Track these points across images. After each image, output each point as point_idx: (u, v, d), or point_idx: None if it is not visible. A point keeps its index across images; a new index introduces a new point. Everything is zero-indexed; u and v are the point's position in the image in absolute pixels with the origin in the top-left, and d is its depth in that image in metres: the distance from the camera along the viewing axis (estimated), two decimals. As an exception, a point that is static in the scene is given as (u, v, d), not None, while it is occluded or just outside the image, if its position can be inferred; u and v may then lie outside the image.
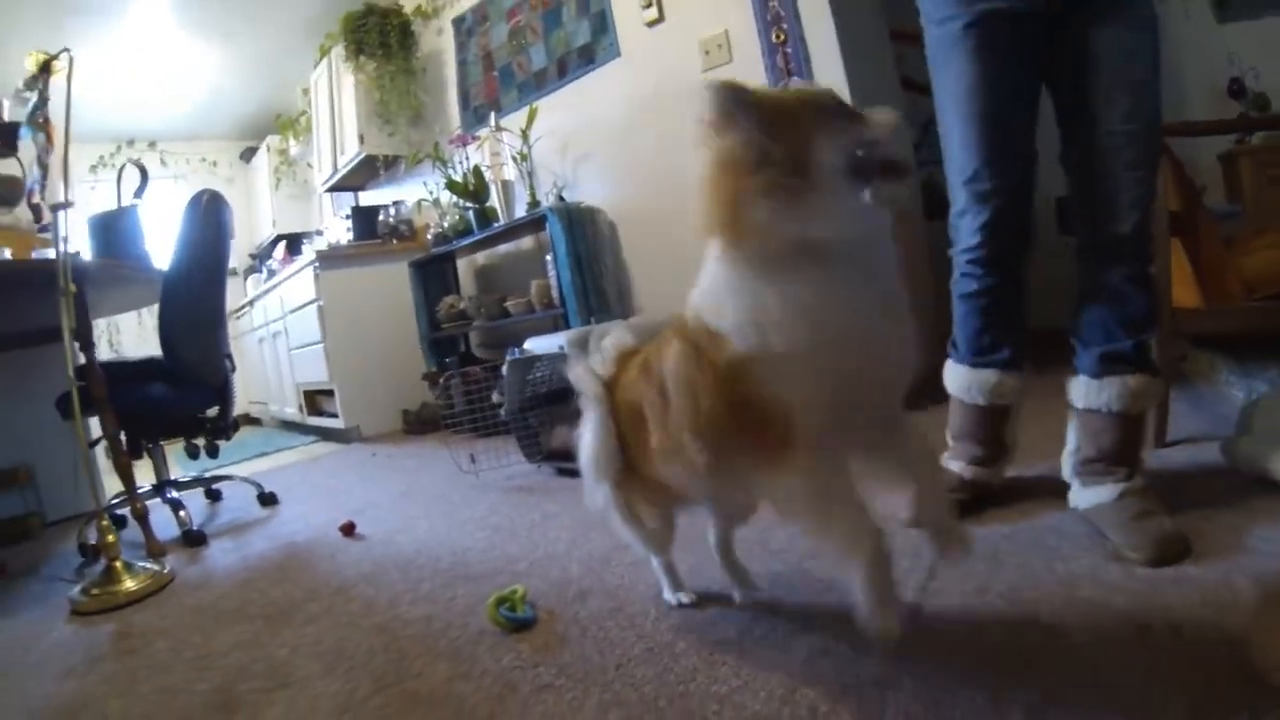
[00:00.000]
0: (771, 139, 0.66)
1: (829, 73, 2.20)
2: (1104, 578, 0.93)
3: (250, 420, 4.98)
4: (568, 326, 2.58)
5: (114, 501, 2.05)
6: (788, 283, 0.68)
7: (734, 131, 0.67)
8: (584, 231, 2.65)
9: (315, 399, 3.78)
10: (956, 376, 1.30)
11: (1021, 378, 1.27)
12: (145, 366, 2.10)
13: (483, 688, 0.90)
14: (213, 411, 2.21)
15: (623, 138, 2.72)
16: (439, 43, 3.59)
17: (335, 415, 3.47)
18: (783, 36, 2.29)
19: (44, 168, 2.11)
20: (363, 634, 1.13)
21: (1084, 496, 1.12)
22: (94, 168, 4.86)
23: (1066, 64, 1.16)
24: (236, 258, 5.11)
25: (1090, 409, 1.15)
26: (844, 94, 2.17)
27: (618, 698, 0.84)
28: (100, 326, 3.63)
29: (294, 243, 4.37)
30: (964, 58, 1.19)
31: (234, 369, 2.29)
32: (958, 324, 1.30)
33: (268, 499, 2.28)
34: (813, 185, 0.65)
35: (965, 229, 1.24)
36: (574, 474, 1.92)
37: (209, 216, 2.12)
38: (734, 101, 0.67)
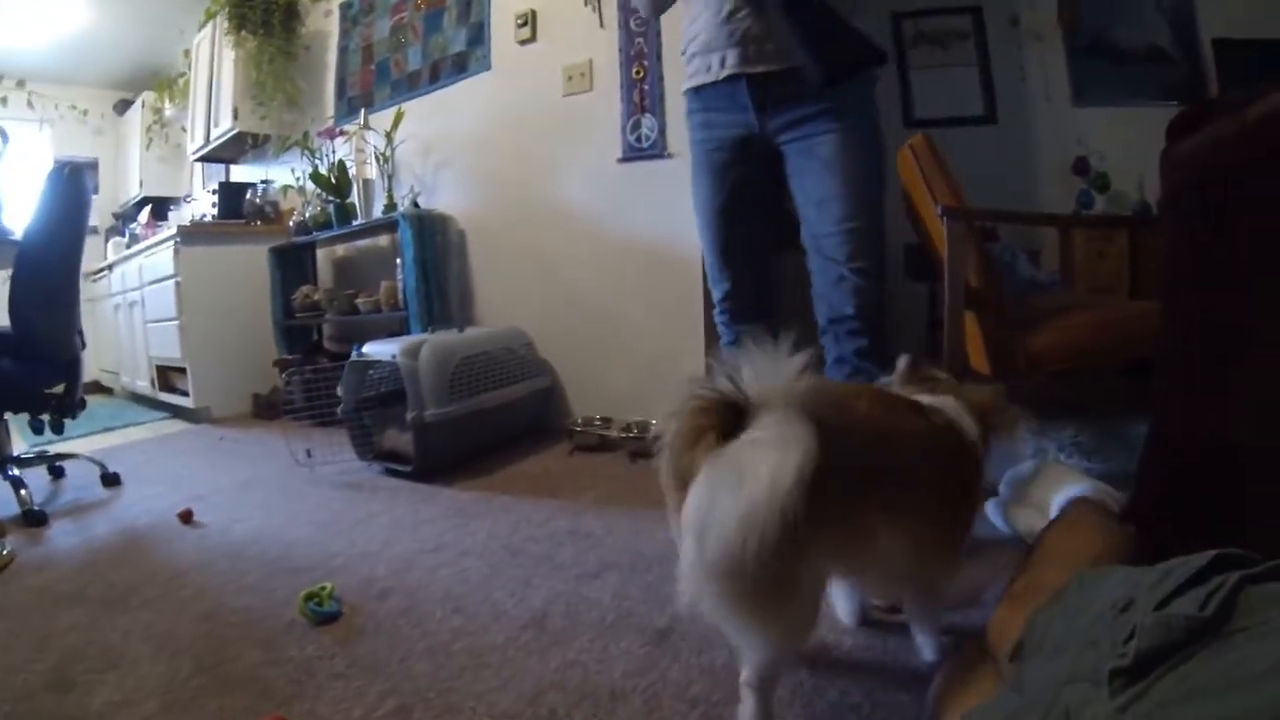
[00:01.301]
0: None
1: (680, 114, 2.27)
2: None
3: (101, 389, 4.69)
4: (408, 331, 2.58)
5: None
6: None
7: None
8: (433, 239, 2.65)
9: (168, 375, 3.63)
10: None
11: None
12: None
13: (286, 673, 1.01)
14: (59, 388, 2.12)
15: (481, 149, 2.75)
16: (324, 25, 3.49)
17: (186, 394, 3.35)
18: (642, 73, 2.37)
19: None
20: (190, 620, 1.21)
21: None
22: None
23: (790, 174, 1.38)
24: (99, 216, 4.83)
25: None
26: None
27: (396, 688, 0.97)
28: None
29: (160, 207, 4.15)
30: (700, 174, 1.47)
31: (84, 346, 2.22)
32: None
33: (111, 479, 2.22)
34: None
35: (715, 295, 1.53)
36: (400, 474, 2.06)
37: (70, 190, 2.04)
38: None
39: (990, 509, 1.43)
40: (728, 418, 0.69)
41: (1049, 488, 1.31)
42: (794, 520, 0.60)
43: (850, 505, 0.72)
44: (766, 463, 0.62)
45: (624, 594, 1.20)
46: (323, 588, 1.20)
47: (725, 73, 1.36)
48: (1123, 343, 1.61)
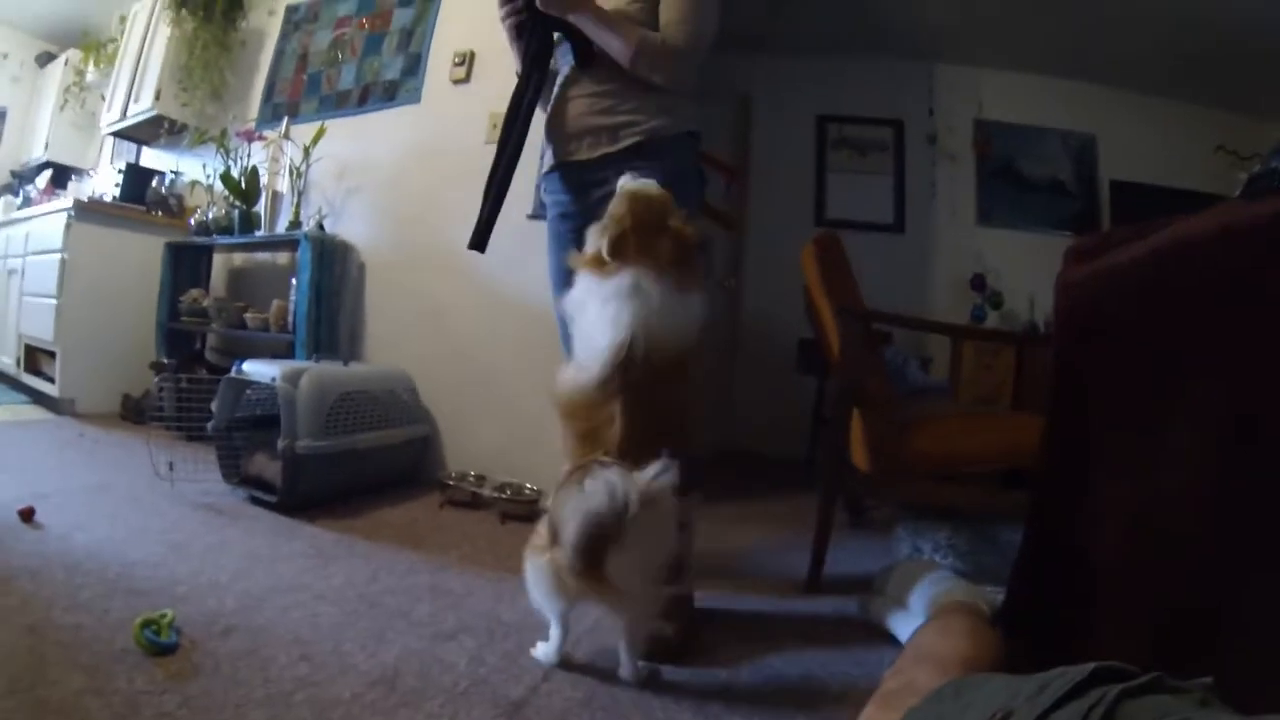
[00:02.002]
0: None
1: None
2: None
3: (-39, 357, 4.33)
4: (293, 355, 2.50)
5: None
6: None
7: None
8: (332, 266, 2.60)
9: (36, 356, 3.38)
10: None
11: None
12: None
13: (110, 706, 0.93)
14: None
15: (395, 183, 2.74)
16: (267, 23, 3.41)
17: (53, 380, 3.12)
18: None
19: None
20: (10, 632, 1.10)
21: None
22: None
23: None
24: (-8, 171, 4.52)
25: None
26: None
27: (224, 738, 0.88)
28: None
29: (61, 175, 3.92)
30: (550, 243, 1.64)
31: None
32: None
33: None
34: None
35: None
36: (264, 503, 1.97)
37: None
38: None
39: (859, 604, 1.48)
40: None
41: (908, 581, 1.34)
42: None
43: None
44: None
45: (480, 659, 1.17)
46: (163, 615, 1.13)
47: (553, 162, 1.56)
48: (1000, 451, 1.68)
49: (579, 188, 1.52)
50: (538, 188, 2.44)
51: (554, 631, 1.19)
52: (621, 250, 1.17)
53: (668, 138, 1.47)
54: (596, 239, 1.22)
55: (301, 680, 1.05)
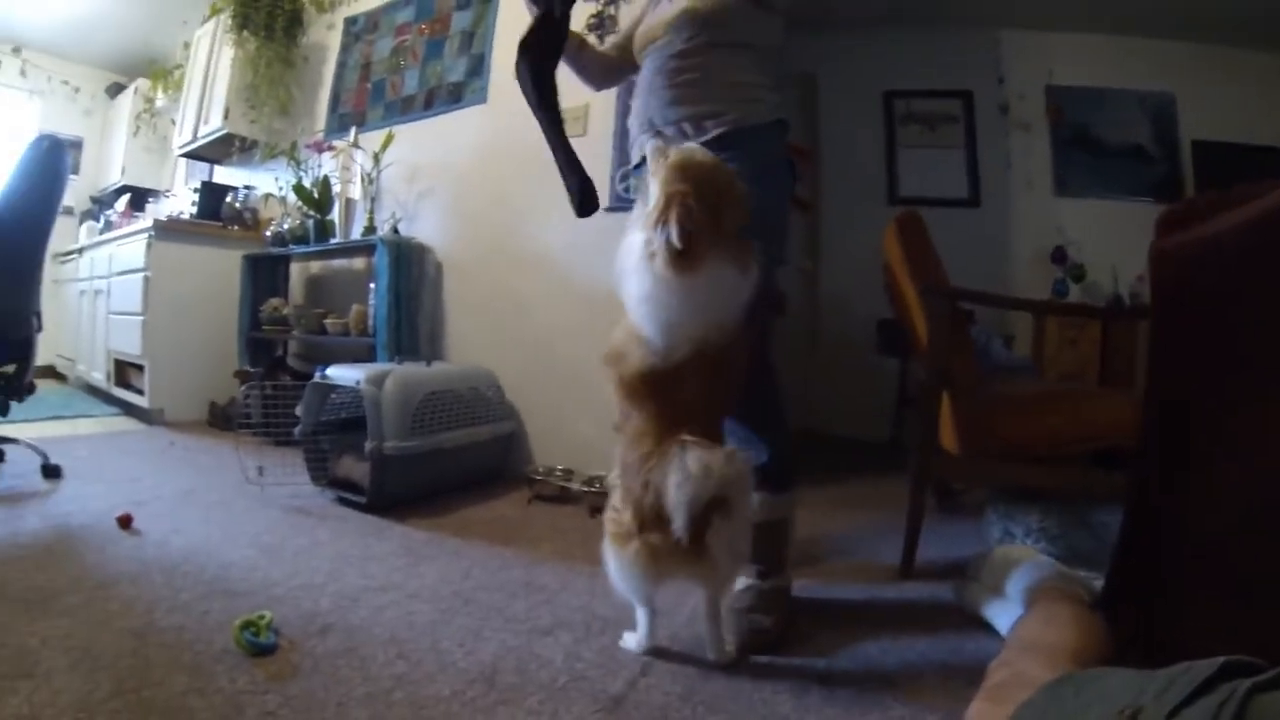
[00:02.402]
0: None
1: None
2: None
3: (54, 375, 4.54)
4: (375, 358, 2.53)
5: None
6: None
7: None
8: (409, 269, 2.62)
9: (125, 370, 3.53)
10: None
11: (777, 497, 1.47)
12: None
13: (213, 706, 0.95)
14: (9, 368, 2.05)
15: (467, 182, 2.74)
16: (327, 37, 3.48)
17: (142, 392, 3.26)
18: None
19: None
20: (115, 635, 1.13)
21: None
22: None
23: None
24: (76, 198, 4.73)
25: None
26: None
27: (328, 735, 0.89)
28: None
29: (139, 198, 4.07)
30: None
31: (40, 328, 2.13)
32: None
33: (51, 471, 2.13)
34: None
35: None
36: (352, 504, 1.99)
37: (47, 166, 2.00)
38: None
39: (955, 589, 1.44)
40: None
41: (1004, 568, 1.31)
42: None
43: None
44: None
45: (577, 655, 1.15)
46: (261, 616, 1.15)
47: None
48: (1093, 430, 1.63)
49: None
50: (613, 179, 2.42)
51: (641, 618, 1.18)
52: (695, 240, 1.04)
53: (756, 126, 1.40)
54: (654, 221, 1.07)
55: (400, 678, 1.05)
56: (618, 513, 1.14)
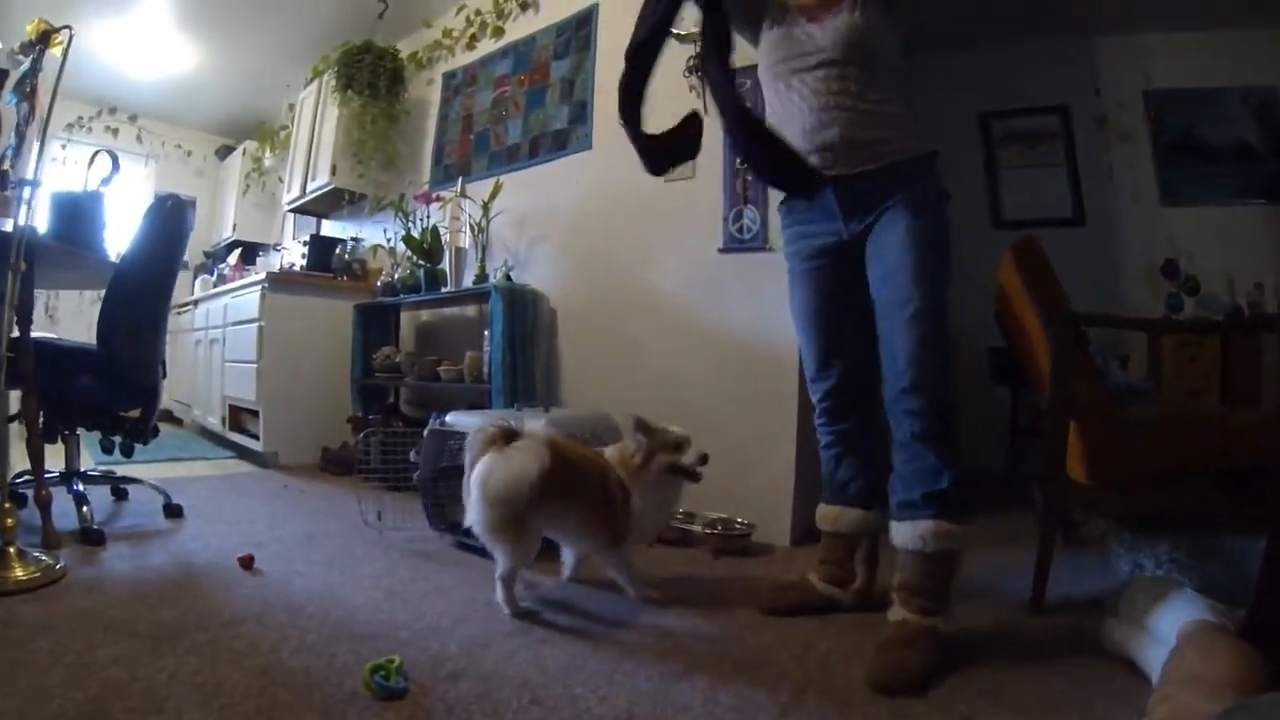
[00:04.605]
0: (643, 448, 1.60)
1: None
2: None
3: (172, 419, 4.82)
4: (490, 404, 2.58)
5: (16, 481, 1.99)
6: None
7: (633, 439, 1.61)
8: (524, 314, 2.67)
9: (240, 415, 3.71)
10: (819, 511, 1.62)
11: (870, 514, 1.54)
12: (77, 354, 2.07)
13: None
14: (135, 412, 2.15)
15: (577, 228, 2.79)
16: (427, 92, 3.64)
17: (256, 437, 3.41)
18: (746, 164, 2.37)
19: (20, 136, 2.07)
20: (243, 674, 1.14)
21: (891, 613, 1.34)
22: (70, 126, 4.72)
23: (867, 265, 1.44)
24: (190, 253, 5.02)
25: (896, 546, 1.36)
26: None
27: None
28: (40, 292, 3.51)
29: (249, 252, 4.32)
30: (796, 282, 1.56)
31: (165, 375, 2.26)
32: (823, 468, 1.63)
33: (173, 510, 2.23)
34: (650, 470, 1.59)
35: (813, 397, 1.60)
36: (472, 549, 1.98)
37: (170, 223, 2.12)
38: (637, 426, 1.60)
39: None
40: (508, 437, 1.47)
41: (1150, 603, 1.26)
42: (530, 489, 1.37)
43: (556, 491, 1.44)
44: (522, 457, 1.41)
45: (714, 699, 1.12)
46: (391, 660, 1.14)
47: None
48: (1226, 452, 1.56)
49: (851, 208, 1.44)
50: (725, 221, 2.44)
51: None
52: None
53: (919, 158, 1.41)
54: None
55: None
56: None
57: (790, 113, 1.47)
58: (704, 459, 1.60)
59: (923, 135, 1.44)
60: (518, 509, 1.40)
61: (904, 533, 1.32)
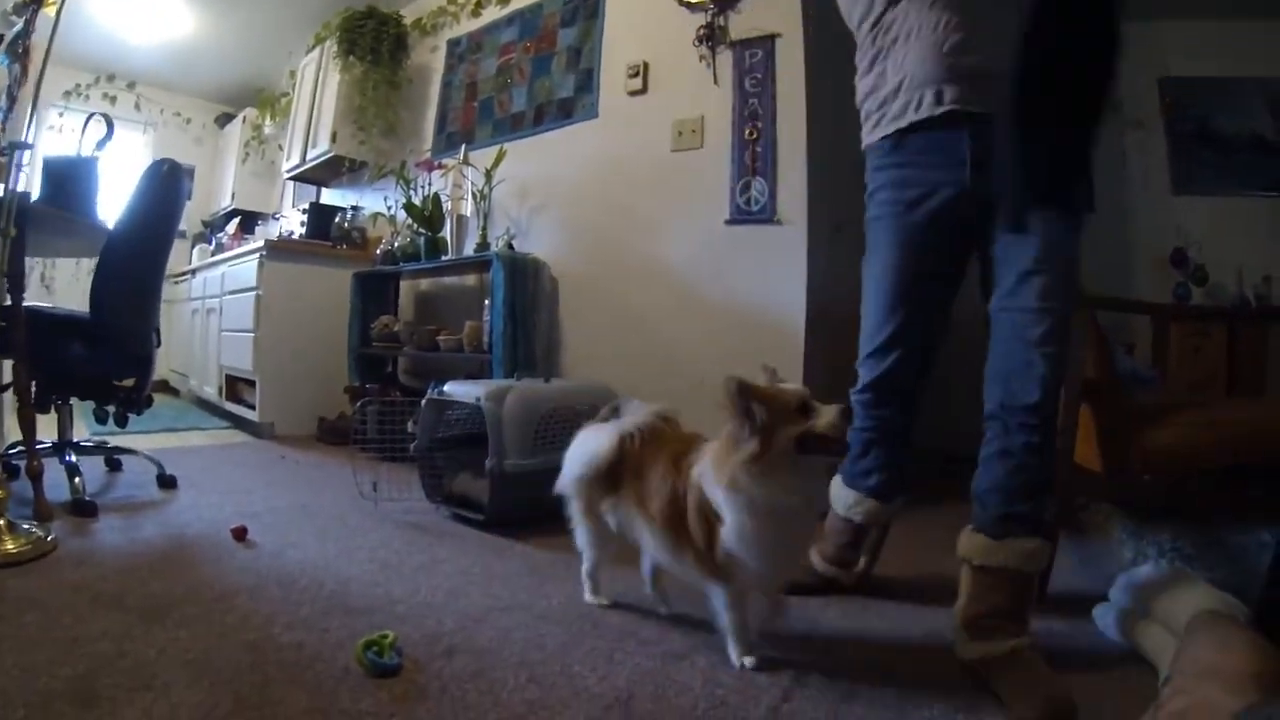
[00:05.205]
0: (757, 423, 1.04)
1: (791, 181, 2.25)
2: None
3: (168, 389, 4.78)
4: (490, 374, 2.55)
5: (9, 452, 1.96)
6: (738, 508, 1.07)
7: (736, 415, 1.05)
8: (525, 284, 2.63)
9: (236, 385, 3.67)
10: (834, 488, 1.50)
11: (887, 506, 1.46)
12: (70, 322, 2.02)
13: None
14: (129, 382, 2.11)
15: (581, 198, 2.75)
16: (430, 59, 3.58)
17: (253, 407, 3.37)
18: (755, 135, 2.34)
19: (11, 100, 2.01)
20: (233, 648, 1.12)
21: (972, 649, 1.14)
22: (67, 94, 4.66)
23: (996, 240, 1.23)
24: (188, 221, 4.98)
25: (986, 566, 1.18)
26: (800, 204, 2.11)
27: (459, 766, 0.85)
28: (35, 262, 3.46)
29: (248, 221, 4.27)
30: (888, 238, 1.33)
31: (159, 344, 2.22)
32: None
33: (167, 481, 2.20)
34: (771, 456, 1.03)
35: (863, 376, 1.41)
36: (469, 521, 1.96)
37: (165, 189, 2.07)
38: (740, 392, 1.04)
39: (1099, 614, 1.36)
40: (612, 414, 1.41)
41: (1179, 602, 1.20)
42: (600, 468, 1.28)
43: (622, 480, 1.26)
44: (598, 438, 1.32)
45: (716, 680, 1.09)
46: (384, 636, 1.10)
47: (942, 109, 1.20)
48: (1238, 445, 1.50)
49: (984, 157, 1.18)
50: (732, 192, 2.38)
51: None
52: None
53: None
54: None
55: (532, 704, 0.99)
56: None
57: (920, 21, 1.22)
58: (846, 415, 1.05)
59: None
60: (573, 490, 1.36)
61: (1006, 552, 1.16)
